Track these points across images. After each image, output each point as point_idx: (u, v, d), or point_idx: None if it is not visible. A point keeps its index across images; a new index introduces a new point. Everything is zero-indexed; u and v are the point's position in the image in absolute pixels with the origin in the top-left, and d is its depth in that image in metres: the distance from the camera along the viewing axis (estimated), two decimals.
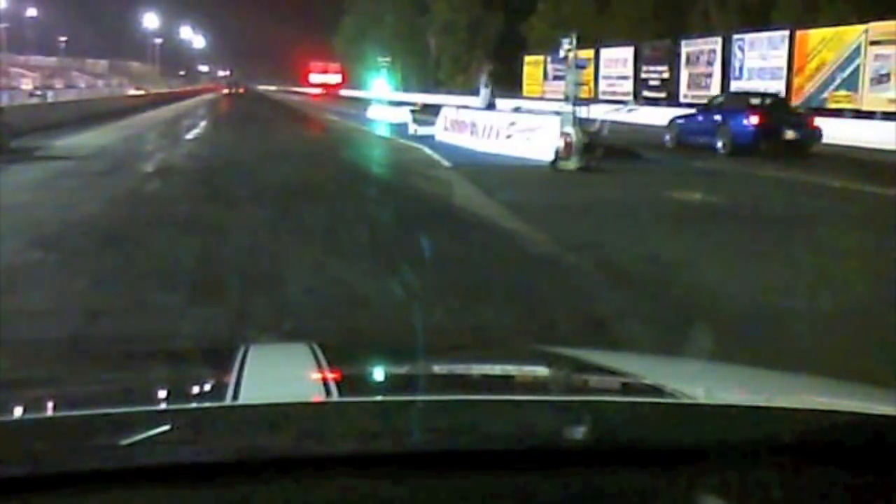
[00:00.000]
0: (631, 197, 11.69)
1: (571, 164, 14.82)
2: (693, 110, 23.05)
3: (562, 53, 16.99)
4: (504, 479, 1.07)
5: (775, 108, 20.75)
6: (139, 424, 1.12)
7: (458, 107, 23.63)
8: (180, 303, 5.80)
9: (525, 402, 1.42)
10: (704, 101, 25.40)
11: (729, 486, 1.08)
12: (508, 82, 43.10)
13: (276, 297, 6.01)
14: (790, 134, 19.37)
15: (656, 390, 1.55)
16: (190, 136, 26.27)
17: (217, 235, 8.48)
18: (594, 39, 38.80)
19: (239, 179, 13.58)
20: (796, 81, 29.63)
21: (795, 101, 28.76)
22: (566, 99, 16.30)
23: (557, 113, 18.13)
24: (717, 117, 20.27)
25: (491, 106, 20.84)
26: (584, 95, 18.05)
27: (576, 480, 1.09)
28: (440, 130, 22.86)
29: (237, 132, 27.60)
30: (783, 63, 30.23)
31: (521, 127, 18.25)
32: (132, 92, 72.21)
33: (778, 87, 29.89)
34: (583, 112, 16.39)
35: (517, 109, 22.10)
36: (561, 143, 15.17)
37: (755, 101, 21.57)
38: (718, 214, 10.32)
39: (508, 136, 18.54)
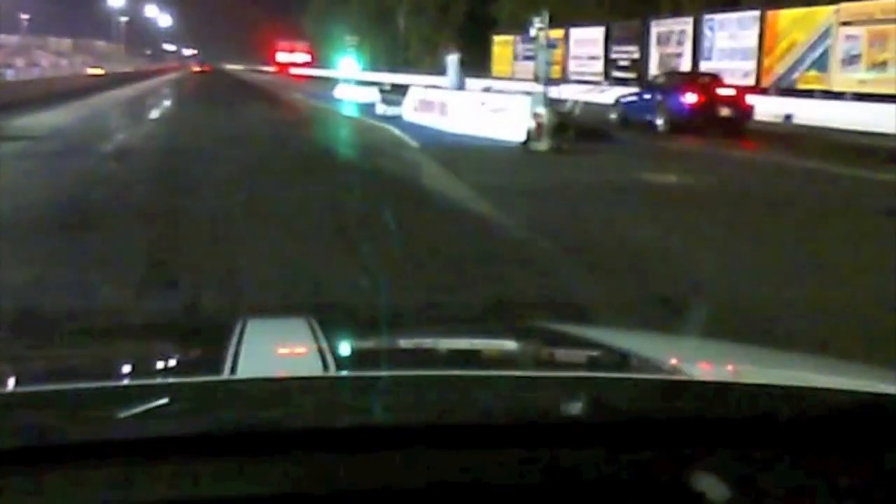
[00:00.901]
0: (604, 179, 11.35)
1: (543, 145, 14.48)
2: (637, 89, 23.77)
3: (533, 33, 16.66)
4: (502, 454, 1.07)
5: (711, 87, 21.34)
6: (137, 397, 1.12)
7: (427, 86, 23.19)
8: (128, 296, 5.40)
9: (523, 378, 1.39)
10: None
11: (726, 463, 1.08)
12: (477, 62, 42.67)
13: (231, 288, 5.63)
14: (724, 111, 20.14)
15: (654, 367, 1.55)
16: (152, 116, 25.66)
17: (173, 222, 8.06)
18: (564, 19, 38.44)
19: (199, 162, 13.09)
20: (766, 62, 29.47)
21: (766, 82, 28.71)
22: (536, 79, 15.97)
23: (528, 93, 17.84)
24: (658, 96, 21.03)
25: (460, 86, 20.41)
26: (554, 76, 17.71)
27: (573, 456, 1.08)
28: (409, 110, 22.44)
29: (201, 112, 26.95)
30: (754, 43, 30.06)
31: (492, 107, 17.87)
32: (90, 71, 69.25)
33: (748, 67, 29.81)
34: (554, 92, 16.05)
35: (487, 89, 21.75)
36: (532, 124, 14.81)
37: (692, 80, 22.56)
38: (696, 197, 10.03)
39: (478, 117, 18.16)
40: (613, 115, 22.24)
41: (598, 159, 14.02)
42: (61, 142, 16.28)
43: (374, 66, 58.71)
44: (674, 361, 1.54)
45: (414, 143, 15.98)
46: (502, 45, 49.45)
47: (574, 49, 41.58)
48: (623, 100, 22.78)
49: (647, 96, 21.81)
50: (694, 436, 1.12)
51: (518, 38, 46.59)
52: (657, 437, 1.11)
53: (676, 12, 36.26)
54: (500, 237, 7.59)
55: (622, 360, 1.70)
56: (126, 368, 1.62)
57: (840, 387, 1.39)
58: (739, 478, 1.07)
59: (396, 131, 18.48)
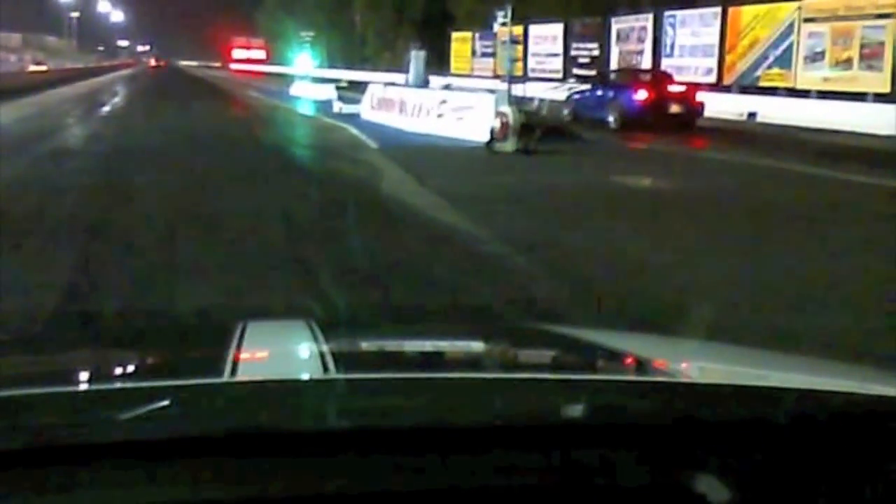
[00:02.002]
0: (576, 183, 10.66)
1: (508, 145, 13.74)
2: (588, 86, 23.83)
3: (495, 28, 15.98)
4: (500, 458, 1.07)
5: (661, 84, 21.48)
6: (138, 399, 1.13)
7: (386, 84, 22.40)
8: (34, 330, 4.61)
9: (523, 381, 1.38)
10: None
11: (724, 464, 1.07)
12: (435, 59, 41.95)
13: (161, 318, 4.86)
14: (675, 108, 20.49)
15: (653, 369, 1.55)
16: (98, 114, 24.60)
17: (103, 236, 7.26)
18: (522, 16, 37.84)
19: (142, 165, 12.19)
20: (728, 59, 29.08)
21: (728, 79, 28.36)
22: (495, 76, 15.34)
23: (491, 91, 17.21)
24: (609, 93, 21.13)
25: (424, 83, 19.57)
26: (501, 72, 17.07)
27: (572, 459, 1.08)
28: (367, 109, 21.66)
29: (151, 111, 25.95)
30: (715, 40, 29.65)
31: (453, 105, 17.14)
32: (32, 67, 66.76)
33: (710, 64, 29.44)
34: (518, 90, 15.39)
35: (447, 87, 21.05)
36: (497, 124, 14.06)
37: (644, 77, 22.84)
38: (675, 203, 9.38)
39: (439, 116, 17.44)
40: (566, 111, 21.88)
41: (565, 160, 13.37)
42: None
43: (331, 63, 57.87)
44: (672, 363, 1.54)
45: (372, 144, 15.21)
46: (461, 42, 48.74)
47: (533, 46, 40.94)
48: (575, 96, 22.61)
49: (599, 93, 21.79)
50: (694, 438, 1.12)
51: (477, 34, 46.13)
52: (656, 440, 1.11)
53: (636, 9, 35.82)
54: (471, 253, 6.81)
55: (621, 362, 1.70)
56: (127, 370, 1.62)
57: (839, 389, 1.39)
58: (739, 480, 1.07)
59: (354, 131, 17.71)
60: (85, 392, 1.29)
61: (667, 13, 32.28)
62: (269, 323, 2.35)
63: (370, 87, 22.53)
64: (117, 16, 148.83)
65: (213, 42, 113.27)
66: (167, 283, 5.82)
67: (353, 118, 20.67)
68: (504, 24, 15.63)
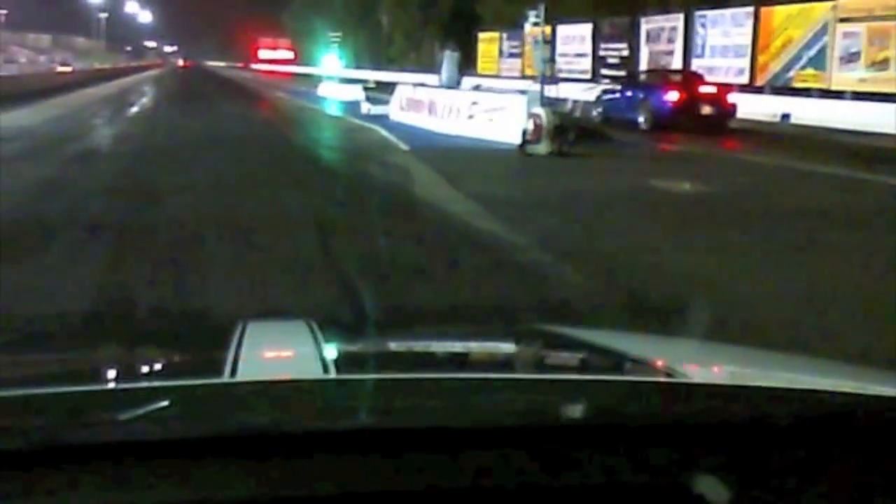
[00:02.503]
0: (613, 187, 10.37)
1: (542, 148, 13.46)
2: (619, 86, 23.50)
3: (527, 28, 15.71)
4: (500, 458, 1.06)
5: (693, 85, 21.23)
6: (138, 400, 1.13)
7: (415, 85, 22.16)
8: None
9: (522, 381, 1.40)
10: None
11: (725, 465, 1.07)
12: (462, 59, 41.70)
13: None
14: (707, 109, 20.19)
15: (653, 369, 1.56)
16: (126, 115, 24.55)
17: (132, 241, 7.05)
18: (551, 16, 37.44)
19: (171, 167, 12.04)
20: (761, 59, 28.64)
21: (760, 80, 27.94)
22: (522, 76, 15.07)
23: (523, 92, 16.94)
24: (640, 94, 20.88)
25: (456, 84, 19.27)
26: (534, 73, 16.78)
27: (572, 458, 1.08)
28: (395, 110, 21.44)
29: (178, 111, 25.88)
30: (747, 41, 29.21)
31: (484, 107, 16.88)
32: (60, 69, 66.43)
33: (742, 65, 29.01)
34: (551, 91, 15.12)
35: (477, 87, 20.80)
36: (529, 126, 13.78)
37: (675, 77, 22.52)
38: (717, 208, 9.07)
39: (470, 117, 17.19)
40: (595, 112, 21.74)
41: (599, 163, 13.08)
42: (25, 144, 15.19)
43: (358, 63, 57.75)
44: (672, 364, 1.54)
45: (403, 146, 14.98)
46: (487, 42, 48.47)
47: (561, 46, 40.55)
48: (605, 97, 22.36)
49: (630, 94, 21.52)
50: (693, 438, 1.12)
51: (504, 34, 45.87)
52: (656, 440, 1.10)
53: (665, 8, 35.39)
54: (510, 261, 6.52)
55: (621, 362, 1.70)
56: (127, 371, 1.62)
57: (838, 389, 1.38)
58: (739, 480, 1.07)
59: (383, 132, 17.49)
60: (85, 392, 1.28)
61: (698, 13, 31.85)
62: (268, 323, 2.33)
63: (399, 88, 22.32)
64: (145, 17, 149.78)
65: (240, 42, 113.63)
66: (200, 291, 5.63)
67: (381, 119, 20.46)
68: (536, 24, 15.32)
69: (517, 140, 14.71)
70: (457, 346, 1.95)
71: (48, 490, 1.01)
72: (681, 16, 32.96)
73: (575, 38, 39.83)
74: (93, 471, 1.02)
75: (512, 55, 45.64)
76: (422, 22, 60.61)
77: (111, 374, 1.59)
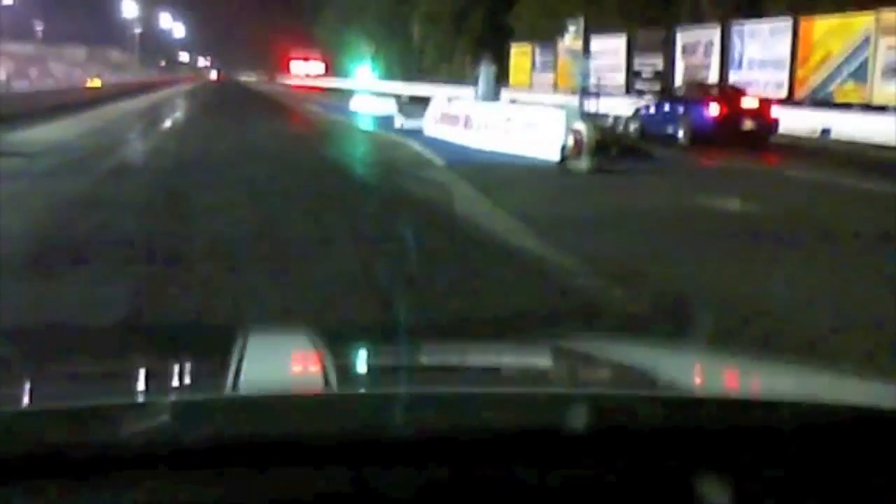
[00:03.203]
0: (661, 206, 9.98)
1: (582, 164, 13.11)
2: (649, 101, 23.24)
3: (566, 40, 15.40)
4: (502, 472, 1.07)
5: (734, 99, 20.67)
6: (140, 414, 1.13)
7: (450, 98, 21.88)
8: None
9: (523, 395, 1.38)
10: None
11: (726, 478, 1.07)
12: (499, 73, 41.41)
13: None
14: (748, 124, 19.65)
15: (660, 382, 1.55)
16: (159, 129, 24.47)
17: (165, 264, 6.79)
18: (583, 28, 37.03)
19: (205, 183, 11.81)
20: (800, 73, 28.15)
21: (799, 94, 27.45)
22: (555, 89, 14.77)
23: (561, 106, 16.64)
24: (679, 108, 20.44)
25: (493, 98, 18.94)
26: (567, 86, 16.41)
27: (573, 471, 1.09)
28: (430, 124, 21.16)
29: (211, 125, 25.77)
30: (786, 54, 28.72)
31: (521, 121, 16.55)
32: (88, 83, 64.74)
33: (780, 78, 28.53)
34: (591, 106, 14.78)
35: (513, 102, 20.49)
36: (570, 141, 13.44)
37: (715, 91, 21.96)
38: (771, 228, 8.66)
39: (506, 132, 16.87)
40: (633, 127, 21.24)
41: (642, 180, 12.71)
42: (57, 159, 15.04)
43: (389, 76, 57.69)
44: (681, 376, 1.54)
45: (439, 161, 14.68)
46: (520, 55, 48.15)
47: (594, 59, 40.21)
48: (643, 111, 21.91)
49: (668, 108, 21.11)
50: (695, 448, 1.13)
51: (537, 47, 45.57)
52: (662, 454, 1.10)
53: (698, 21, 34.93)
54: (561, 286, 6.15)
55: (629, 375, 1.70)
56: (128, 383, 1.60)
57: (841, 402, 1.38)
58: (740, 491, 1.06)
59: (418, 147, 17.22)
60: (86, 407, 1.26)
61: (735, 25, 31.41)
62: (271, 334, 2.30)
63: (433, 102, 22.05)
64: (179, 30, 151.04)
65: (272, 55, 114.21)
66: (234, 313, 5.36)
67: (415, 134, 20.19)
68: (576, 38, 15.00)
69: (556, 156, 14.40)
70: (463, 360, 1.94)
71: (47, 503, 1.01)
72: (717, 28, 32.53)
73: (608, 51, 39.41)
74: (95, 484, 1.03)
75: (545, 68, 45.32)
76: (454, 34, 60.48)
77: (112, 386, 1.58)
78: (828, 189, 12.35)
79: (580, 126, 13.44)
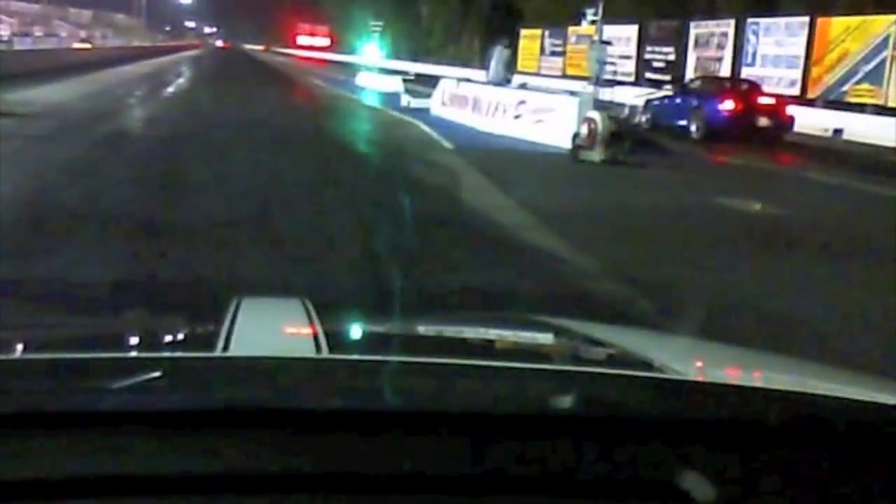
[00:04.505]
0: (679, 204, 9.50)
1: (595, 155, 12.61)
2: (668, 92, 22.60)
3: (584, 26, 14.91)
4: (489, 444, 1.07)
5: (750, 95, 20.18)
6: (129, 370, 1.13)
7: (459, 80, 21.34)
8: None
9: (514, 369, 1.38)
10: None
11: (712, 463, 1.07)
12: (512, 56, 40.81)
13: None
14: (763, 121, 19.16)
15: (646, 364, 1.56)
16: (161, 96, 23.94)
17: (151, 242, 6.32)
18: (580, 16, 36.40)
19: (204, 156, 11.32)
20: (814, 72, 27.66)
21: (812, 93, 26.99)
22: (564, 75, 14.29)
23: (572, 93, 16.14)
24: (692, 101, 19.87)
25: (505, 81, 18.37)
26: (575, 72, 15.86)
27: (561, 449, 1.08)
28: (437, 104, 20.66)
29: (214, 95, 25.22)
30: (801, 51, 28.24)
31: (533, 107, 16.06)
32: (76, 45, 61.93)
33: (794, 76, 28.07)
34: (606, 94, 14.28)
35: (523, 86, 19.96)
36: (584, 130, 12.93)
37: (730, 86, 21.38)
38: (797, 233, 8.18)
39: (517, 117, 16.38)
40: (644, 118, 20.67)
41: (657, 175, 12.23)
42: (53, 121, 14.56)
43: (395, 54, 57.11)
44: (667, 360, 1.52)
45: (446, 144, 14.19)
46: (529, 39, 47.53)
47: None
48: (654, 102, 21.36)
49: (680, 100, 20.53)
50: (682, 435, 1.12)
51: (546, 32, 45.06)
52: (645, 435, 1.10)
53: (712, 13, 34.41)
54: (581, 291, 5.65)
55: (616, 356, 1.70)
56: (120, 342, 1.61)
57: (831, 393, 1.39)
58: (725, 478, 1.07)
59: (425, 128, 16.72)
60: (77, 360, 1.27)
61: (750, 20, 30.89)
62: (263, 300, 2.25)
63: (442, 82, 21.55)
64: None
65: (279, 27, 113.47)
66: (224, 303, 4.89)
67: (421, 113, 19.70)
68: (594, 23, 14.48)
69: (567, 144, 13.93)
70: (451, 332, 1.92)
71: (36, 455, 1.00)
72: (732, 22, 32.01)
73: (620, 39, 38.74)
74: (81, 438, 1.02)
75: (554, 53, 44.85)
76: (462, 15, 59.88)
77: (105, 343, 1.57)
78: (852, 194, 11.87)
79: (595, 115, 12.93)
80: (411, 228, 7.21)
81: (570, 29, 42.53)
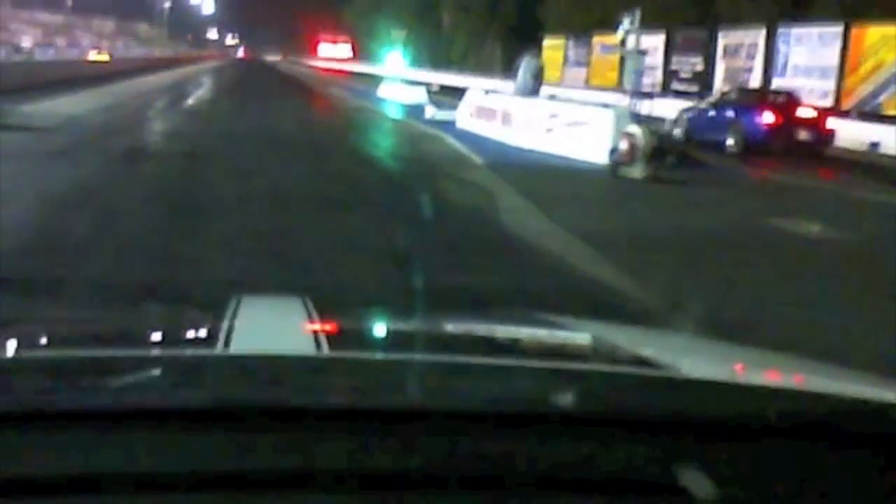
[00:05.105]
0: (732, 226, 8.79)
1: (636, 171, 11.92)
2: (701, 104, 21.92)
3: (619, 35, 14.33)
4: (488, 441, 1.07)
5: (789, 107, 19.47)
6: (130, 368, 1.15)
7: (487, 91, 20.70)
8: None
9: (513, 367, 1.38)
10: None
11: (709, 460, 1.07)
12: (541, 67, 40.20)
13: None
14: (803, 135, 18.53)
15: (644, 362, 1.55)
16: (181, 108, 23.45)
17: (168, 269, 5.72)
18: (616, 24, 35.83)
19: (223, 174, 10.75)
20: (848, 82, 26.92)
21: (846, 104, 26.25)
22: (587, 86, 13.65)
23: (605, 105, 15.50)
24: (729, 113, 19.18)
25: (533, 93, 17.72)
26: (599, 83, 15.21)
27: (559, 446, 1.08)
28: (464, 117, 20.04)
29: (235, 107, 24.73)
30: (834, 61, 27.50)
31: (565, 120, 15.38)
32: (92, 56, 57.22)
33: (826, 87, 27.33)
34: (643, 107, 13.62)
35: (552, 98, 19.31)
36: (623, 145, 12.24)
37: (768, 98, 20.65)
38: (869, 262, 7.46)
39: (549, 130, 15.71)
40: (677, 131, 19.88)
41: (702, 194, 11.54)
42: (68, 136, 14.02)
43: (417, 64, 56.75)
44: (666, 357, 1.53)
45: (477, 159, 13.55)
46: (552, 49, 46.89)
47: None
48: (687, 114, 20.68)
49: (715, 113, 19.83)
50: (681, 432, 1.11)
51: (570, 42, 44.56)
52: (644, 432, 1.10)
53: (738, 22, 33.71)
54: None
55: (615, 353, 1.70)
56: (121, 339, 1.60)
57: (828, 391, 1.38)
58: (725, 476, 1.07)
59: (453, 141, 16.11)
60: (77, 358, 1.28)
61: (781, 29, 30.18)
62: (263, 298, 2.24)
63: (468, 94, 20.93)
64: (208, 7, 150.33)
65: (300, 37, 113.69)
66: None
67: (447, 126, 19.11)
68: (629, 32, 13.83)
69: (602, 159, 13.28)
70: (449, 330, 1.89)
71: (36, 452, 1.00)
72: (762, 31, 31.29)
73: (646, 48, 38.19)
74: (81, 435, 1.01)
75: (578, 63, 44.31)
76: (485, 24, 59.47)
77: (105, 341, 1.56)
78: None
79: (635, 129, 12.24)
80: (451, 256, 6.56)
81: (595, 38, 42.05)
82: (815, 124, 19.10)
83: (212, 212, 8.18)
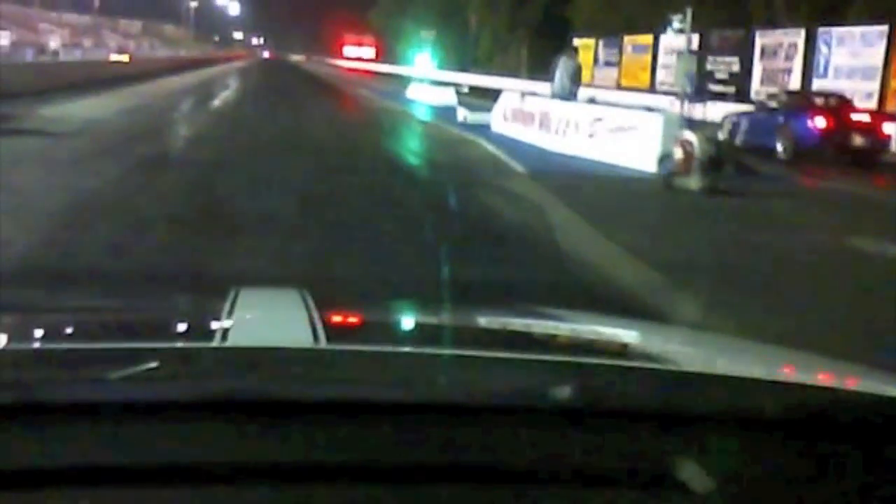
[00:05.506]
0: (810, 248, 7.86)
1: (692, 182, 11.04)
2: (749, 108, 21.23)
3: (671, 33, 13.48)
4: (488, 433, 1.06)
5: (842, 111, 18.42)
6: (127, 360, 1.12)
7: (524, 93, 19.86)
8: None
9: (514, 360, 1.37)
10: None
11: (711, 454, 1.06)
12: (579, 68, 39.42)
13: None
14: (858, 140, 17.52)
15: (646, 356, 1.55)
16: (206, 110, 22.79)
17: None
18: (653, 25, 35.02)
19: (251, 184, 10.01)
20: (893, 83, 25.98)
21: (891, 106, 25.30)
22: (619, 87, 12.82)
23: (649, 109, 14.64)
24: (778, 118, 18.27)
25: (571, 96, 16.88)
26: (630, 84, 14.34)
27: (560, 439, 1.07)
28: (499, 120, 19.23)
29: (262, 109, 24.05)
30: (878, 62, 26.60)
31: (610, 125, 14.53)
32: (113, 57, 55.80)
33: (870, 88, 26.43)
34: (697, 112, 12.75)
35: (591, 100, 18.48)
36: (678, 153, 11.36)
37: (820, 101, 19.56)
38: None
39: (591, 135, 14.87)
40: (721, 136, 18.93)
41: (764, 207, 10.65)
42: (87, 141, 13.37)
43: (442, 65, 56.19)
44: (667, 351, 1.53)
45: (518, 167, 12.71)
46: (582, 50, 45.92)
47: (663, 57, 38.14)
48: (733, 119, 19.74)
49: (762, 117, 18.98)
50: (682, 425, 1.11)
51: (601, 42, 43.83)
52: (645, 425, 1.09)
53: (773, 23, 32.78)
54: None
55: (616, 347, 1.71)
56: (119, 331, 1.60)
57: (830, 385, 1.38)
58: (725, 469, 1.06)
59: (489, 147, 15.31)
60: (75, 350, 1.27)
61: (821, 30, 29.24)
62: (261, 291, 2.17)
63: (503, 96, 20.13)
64: (234, 8, 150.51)
65: (325, 38, 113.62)
66: None
67: (481, 129, 18.32)
68: (681, 31, 12.98)
69: (650, 167, 12.45)
70: (449, 323, 1.90)
71: (34, 445, 0.98)
72: (801, 31, 30.36)
73: (679, 49, 37.28)
74: (80, 427, 1.01)
75: (608, 64, 43.59)
76: (511, 25, 58.77)
77: (103, 333, 1.56)
78: None
79: (691, 137, 11.35)
80: (508, 287, 5.75)
81: (626, 38, 41.17)
82: (871, 129, 18.14)
83: (236, 231, 7.43)
